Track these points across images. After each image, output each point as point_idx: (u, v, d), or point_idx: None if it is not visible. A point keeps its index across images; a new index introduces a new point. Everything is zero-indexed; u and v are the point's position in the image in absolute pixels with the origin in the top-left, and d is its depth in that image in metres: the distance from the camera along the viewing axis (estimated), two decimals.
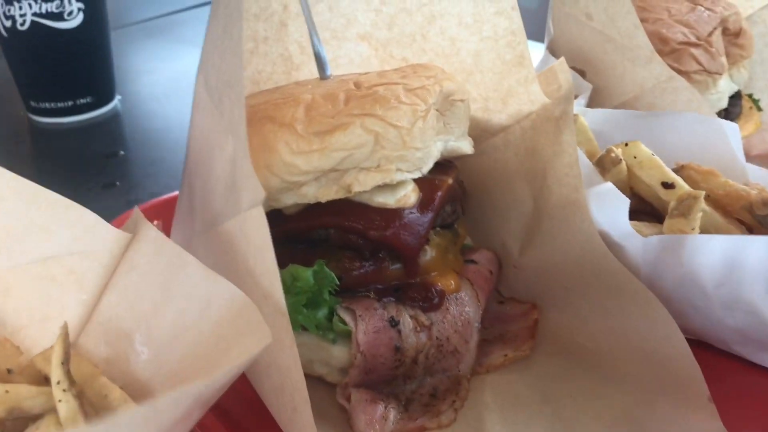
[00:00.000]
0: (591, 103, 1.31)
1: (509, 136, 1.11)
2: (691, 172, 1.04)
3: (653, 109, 1.23)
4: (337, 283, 0.90)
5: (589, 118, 1.15)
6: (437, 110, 0.97)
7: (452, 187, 1.04)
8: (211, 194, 0.86)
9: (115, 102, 1.91)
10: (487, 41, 1.04)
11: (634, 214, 1.02)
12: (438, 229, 1.03)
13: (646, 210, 1.10)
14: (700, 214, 0.91)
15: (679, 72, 1.27)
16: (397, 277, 0.97)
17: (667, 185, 0.99)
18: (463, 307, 0.99)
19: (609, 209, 0.93)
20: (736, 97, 1.48)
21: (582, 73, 1.35)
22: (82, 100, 1.78)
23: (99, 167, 1.59)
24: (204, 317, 0.73)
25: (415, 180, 0.98)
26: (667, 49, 1.34)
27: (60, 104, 1.76)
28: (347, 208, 0.94)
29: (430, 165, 0.96)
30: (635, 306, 0.88)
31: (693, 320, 0.94)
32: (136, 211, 0.82)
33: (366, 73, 1.01)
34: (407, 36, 1.14)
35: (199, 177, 0.91)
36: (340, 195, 0.91)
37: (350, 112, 0.89)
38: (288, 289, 0.90)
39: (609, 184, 0.96)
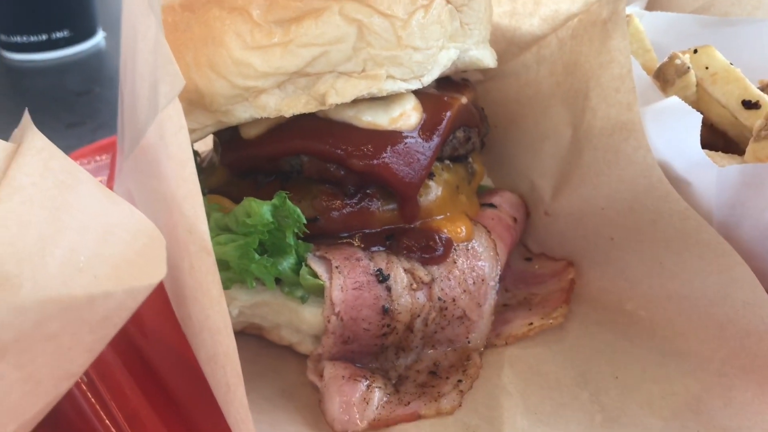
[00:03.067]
0: None
1: (543, 50, 0.90)
2: None
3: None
4: (305, 221, 0.68)
5: (646, 23, 0.91)
6: (449, 2, 0.74)
7: (467, 108, 0.82)
8: (137, 99, 0.66)
9: (99, 38, 1.73)
10: None
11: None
12: (447, 161, 0.82)
13: (715, 144, 0.87)
14: None
15: None
16: (390, 220, 0.77)
17: (750, 104, 0.78)
18: (476, 261, 0.77)
19: (673, 132, 0.73)
20: None
21: None
22: (58, 34, 1.60)
23: (68, 105, 1.42)
24: (100, 256, 0.55)
25: (417, 95, 0.76)
26: None
27: (33, 38, 1.59)
28: (324, 129, 0.74)
29: (434, 74, 0.75)
30: (705, 262, 0.72)
31: None
32: (25, 116, 0.61)
33: None
34: None
35: (127, 81, 0.71)
36: (311, 108, 0.70)
37: None
38: (239, 228, 0.68)
39: (674, 98, 0.73)
